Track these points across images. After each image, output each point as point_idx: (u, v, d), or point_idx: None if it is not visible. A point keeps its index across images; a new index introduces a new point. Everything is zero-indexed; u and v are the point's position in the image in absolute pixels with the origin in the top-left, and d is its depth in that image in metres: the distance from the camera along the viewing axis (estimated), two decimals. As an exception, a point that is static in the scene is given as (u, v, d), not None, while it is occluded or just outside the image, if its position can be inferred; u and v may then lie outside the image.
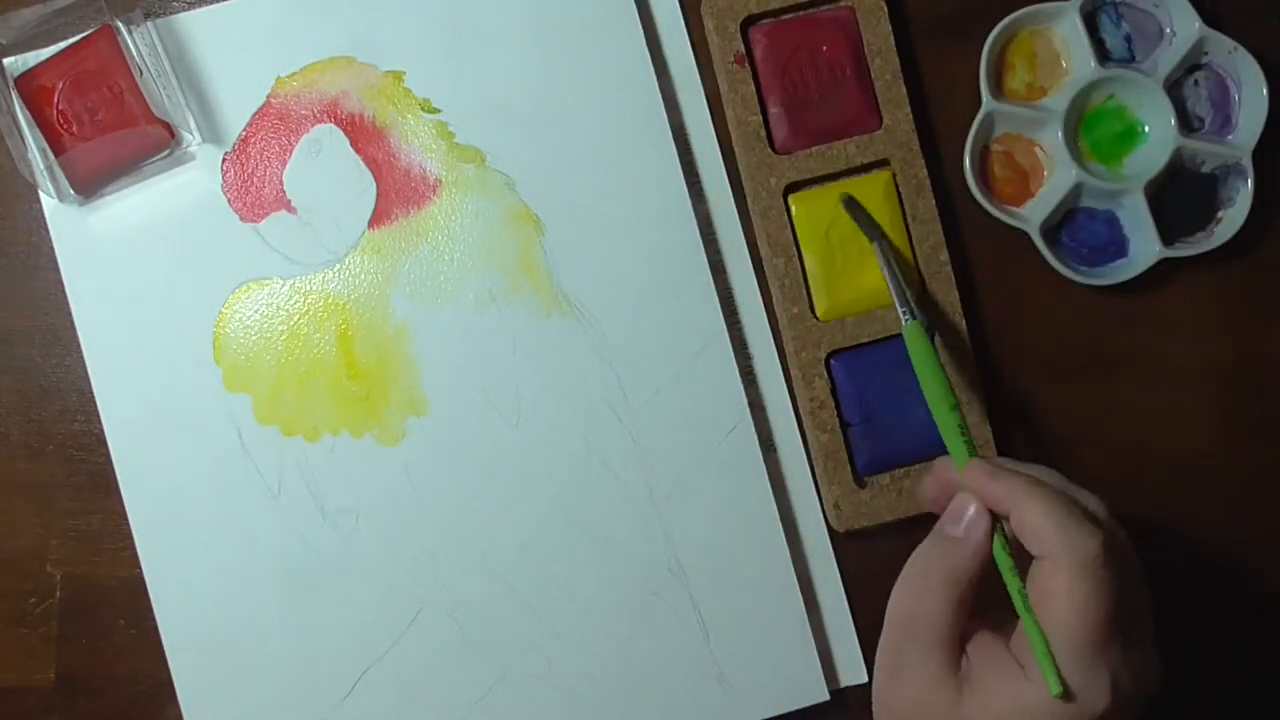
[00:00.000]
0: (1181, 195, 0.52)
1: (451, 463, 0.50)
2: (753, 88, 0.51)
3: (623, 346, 0.50)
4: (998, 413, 0.52)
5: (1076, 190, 0.51)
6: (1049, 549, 0.39)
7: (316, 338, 0.50)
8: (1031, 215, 0.52)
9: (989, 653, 0.40)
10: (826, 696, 0.50)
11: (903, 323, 0.47)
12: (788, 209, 0.51)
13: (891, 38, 0.51)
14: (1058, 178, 0.52)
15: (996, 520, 0.41)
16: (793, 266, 0.51)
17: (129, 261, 0.50)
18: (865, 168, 0.51)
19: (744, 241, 0.52)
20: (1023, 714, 0.38)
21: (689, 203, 0.51)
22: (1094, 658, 0.38)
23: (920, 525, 0.51)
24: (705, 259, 0.51)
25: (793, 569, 0.50)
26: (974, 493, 0.42)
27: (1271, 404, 0.53)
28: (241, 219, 0.50)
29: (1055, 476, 0.42)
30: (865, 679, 0.51)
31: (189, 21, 0.51)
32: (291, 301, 0.50)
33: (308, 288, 0.50)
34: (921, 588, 0.41)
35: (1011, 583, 0.40)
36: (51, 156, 0.48)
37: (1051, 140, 0.52)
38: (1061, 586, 0.38)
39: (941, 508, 0.43)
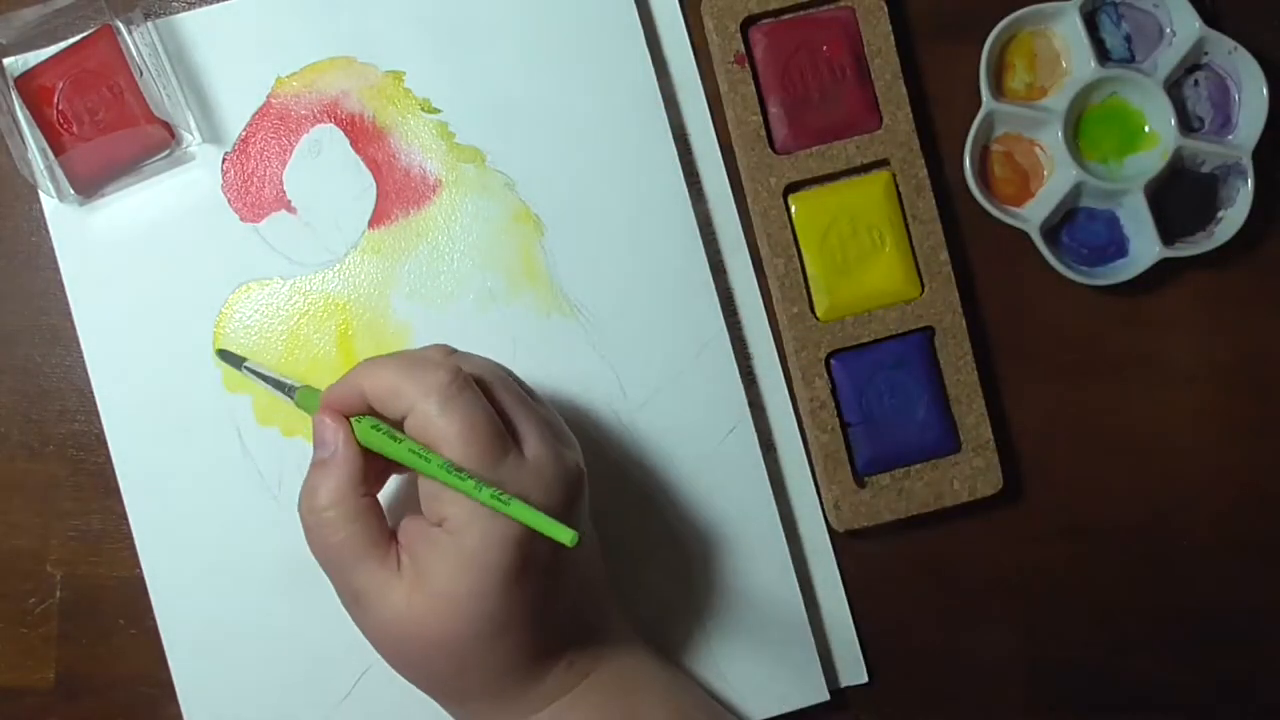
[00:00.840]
0: (1181, 195, 0.52)
1: (451, 463, 0.50)
2: (753, 88, 0.51)
3: (623, 346, 0.50)
4: (998, 413, 0.52)
5: (1076, 190, 0.51)
6: (408, 400, 0.40)
7: (316, 338, 0.50)
8: (1031, 215, 0.52)
9: (415, 534, 0.41)
10: (827, 696, 0.50)
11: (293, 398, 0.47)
12: (788, 209, 0.51)
13: (891, 38, 0.51)
14: (1058, 178, 0.52)
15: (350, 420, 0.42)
16: (793, 266, 0.51)
17: (129, 261, 0.50)
18: (865, 168, 0.51)
19: (744, 241, 0.52)
20: (461, 561, 0.39)
21: (689, 203, 0.51)
22: (496, 471, 0.40)
23: (920, 525, 0.51)
24: (705, 259, 0.51)
25: (793, 569, 0.50)
26: (325, 410, 0.42)
27: (1271, 404, 0.53)
28: (241, 219, 0.50)
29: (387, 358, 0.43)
30: (865, 679, 0.51)
31: (189, 21, 0.51)
32: (291, 301, 0.50)
33: (308, 288, 0.50)
34: (322, 520, 0.41)
35: (395, 449, 0.40)
36: (51, 156, 0.48)
37: (1051, 140, 0.52)
38: (437, 426, 0.39)
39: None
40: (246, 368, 0.49)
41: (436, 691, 0.44)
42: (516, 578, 0.40)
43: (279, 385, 0.47)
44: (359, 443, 0.42)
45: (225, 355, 0.49)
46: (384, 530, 0.42)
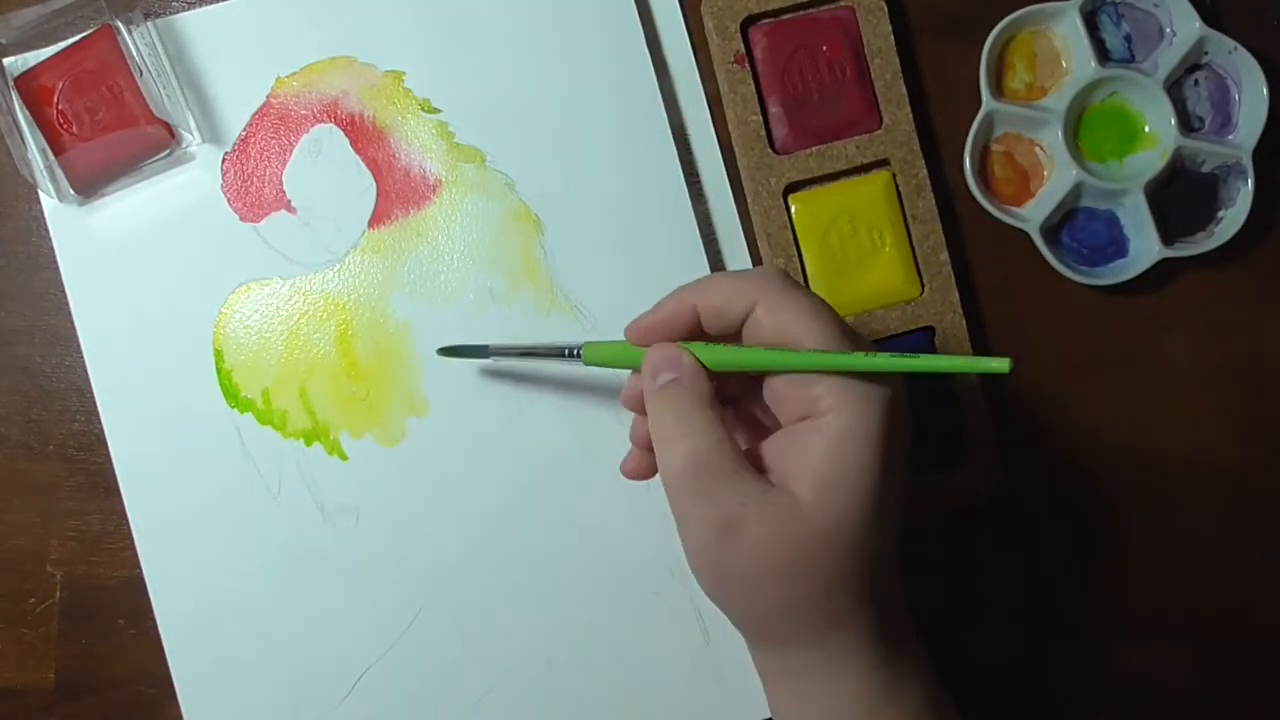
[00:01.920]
0: (1181, 195, 0.52)
1: (451, 463, 0.50)
2: (753, 88, 0.51)
3: (623, 346, 0.50)
4: (998, 413, 0.52)
5: (1076, 190, 0.51)
6: (748, 296, 0.39)
7: (316, 338, 0.50)
8: (1031, 215, 0.52)
9: (772, 445, 0.39)
10: (826, 696, 0.50)
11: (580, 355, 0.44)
12: (788, 209, 0.51)
13: (891, 38, 0.51)
14: (1058, 178, 0.52)
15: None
16: (793, 266, 0.51)
17: (129, 261, 0.50)
18: (865, 168, 0.51)
19: (744, 241, 0.52)
20: (840, 438, 0.38)
21: (689, 203, 0.51)
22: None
23: (920, 525, 0.51)
24: (705, 259, 0.51)
25: (793, 569, 0.50)
26: (648, 337, 0.41)
27: (1271, 403, 0.53)
28: (241, 219, 0.50)
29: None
30: (865, 679, 0.51)
31: (189, 21, 0.51)
32: (291, 301, 0.50)
33: (308, 288, 0.50)
34: (689, 430, 0.39)
35: (747, 356, 0.39)
36: (51, 156, 0.48)
37: (1051, 140, 0.52)
38: (790, 310, 0.39)
39: (639, 437, 0.45)
40: (494, 352, 0.47)
41: (795, 625, 0.39)
42: (890, 454, 0.38)
43: (551, 352, 0.45)
44: (704, 365, 0.40)
45: (453, 351, 0.48)
46: (739, 449, 0.39)
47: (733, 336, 0.41)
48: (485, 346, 0.47)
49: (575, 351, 0.44)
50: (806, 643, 0.39)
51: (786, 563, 0.38)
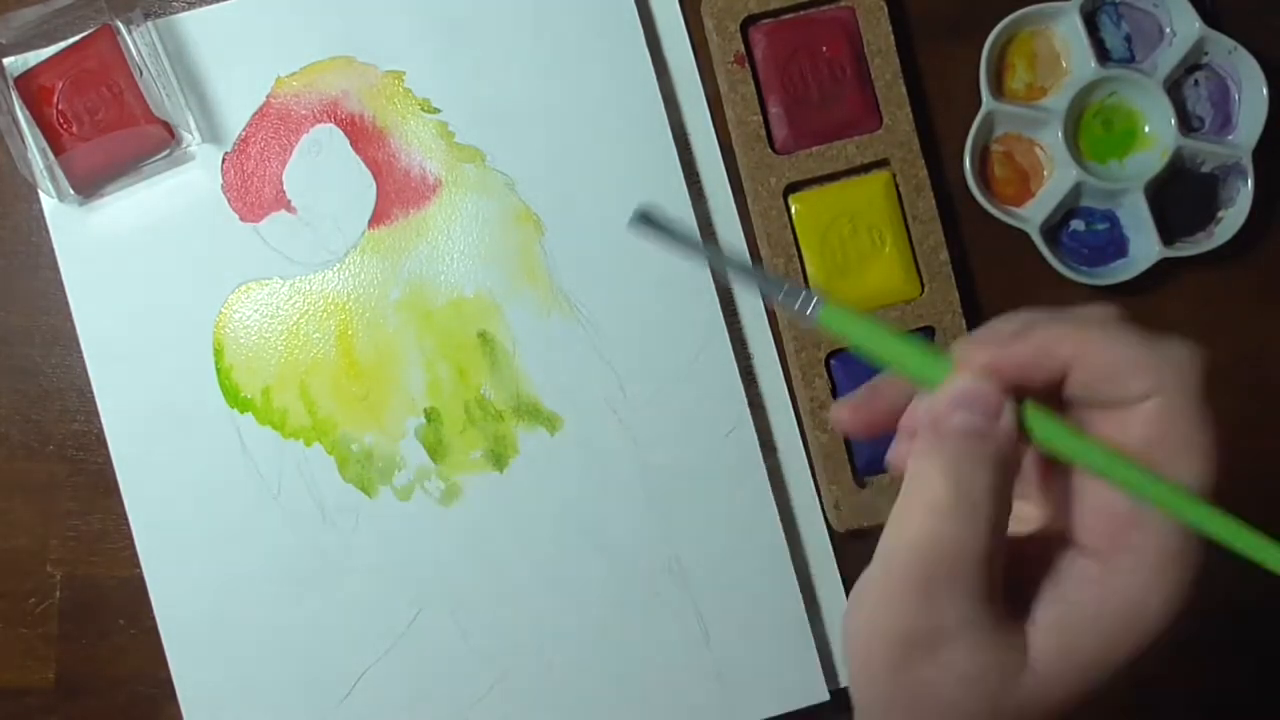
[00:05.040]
0: (1181, 195, 0.52)
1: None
2: (753, 88, 0.51)
3: (623, 346, 0.50)
4: (998, 413, 0.52)
5: (1076, 190, 0.51)
6: (1147, 382, 0.29)
7: (316, 338, 0.50)
8: (1031, 215, 0.52)
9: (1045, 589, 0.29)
10: (827, 696, 0.50)
11: (810, 310, 0.31)
12: (788, 209, 0.51)
13: (891, 38, 0.51)
14: (1058, 178, 0.52)
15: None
16: (793, 267, 0.51)
17: (129, 261, 0.50)
18: (865, 168, 0.51)
19: (744, 241, 0.52)
20: (1139, 604, 0.29)
21: (689, 203, 0.51)
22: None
23: (920, 525, 0.51)
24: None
25: (793, 569, 0.50)
26: (977, 368, 0.29)
27: (1272, 403, 0.53)
28: (241, 219, 0.50)
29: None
30: (865, 679, 0.51)
31: (189, 21, 0.51)
32: (291, 301, 0.50)
33: (308, 288, 0.50)
34: (958, 509, 0.28)
35: (1083, 449, 0.29)
36: (51, 156, 0.48)
37: (1051, 140, 0.52)
38: (1186, 430, 0.29)
39: (862, 429, 0.33)
40: (704, 250, 0.32)
41: None
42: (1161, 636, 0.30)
43: (772, 288, 0.32)
44: (1022, 428, 0.29)
45: (651, 221, 0.31)
46: (1003, 558, 0.29)
47: (1046, 393, 0.30)
48: (696, 239, 0.36)
49: (810, 308, 0.31)
50: None
51: (967, 715, 0.29)
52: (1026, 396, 0.29)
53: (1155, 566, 0.29)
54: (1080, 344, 0.29)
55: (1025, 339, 0.29)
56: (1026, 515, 0.31)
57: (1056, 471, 0.30)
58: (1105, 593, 0.29)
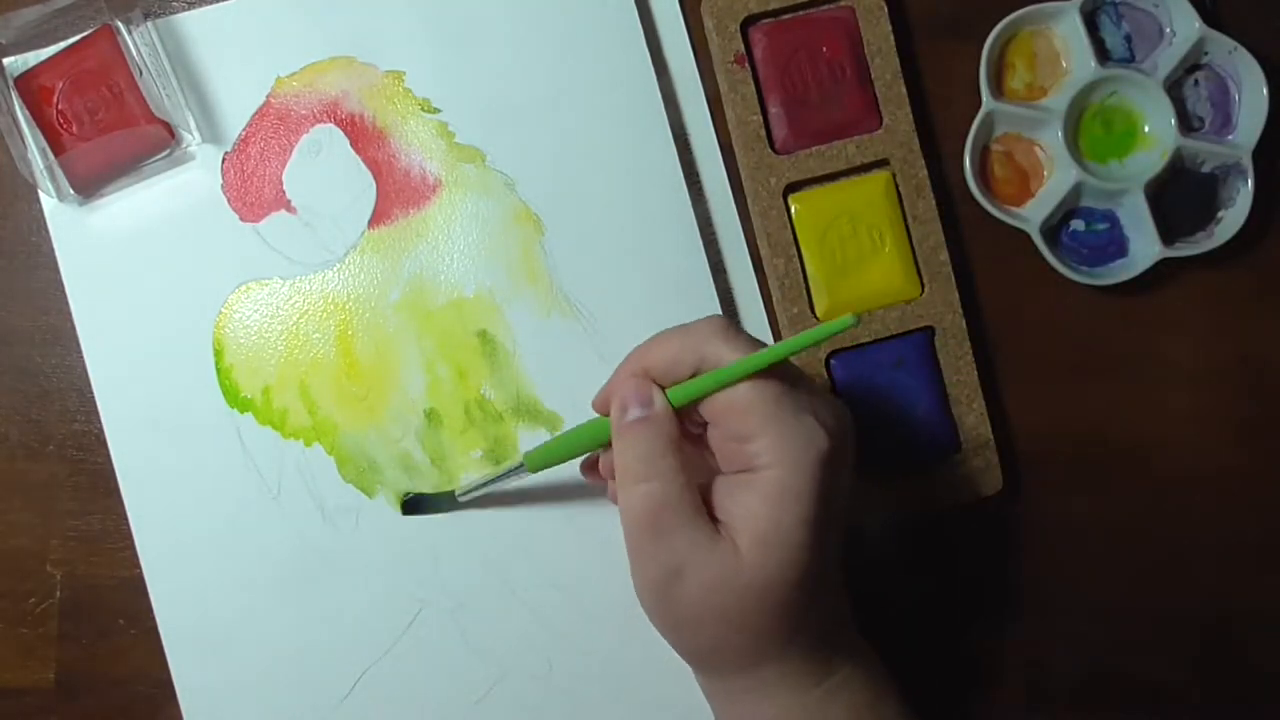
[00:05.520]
0: (1181, 195, 0.52)
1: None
2: (753, 88, 0.51)
3: (623, 346, 0.50)
4: (998, 413, 0.52)
5: (1076, 190, 0.51)
6: (694, 351, 0.40)
7: (316, 338, 0.50)
8: (1031, 215, 0.52)
9: (721, 492, 0.40)
10: (826, 696, 0.50)
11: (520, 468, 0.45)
12: (788, 209, 0.51)
13: (891, 38, 0.51)
14: (1058, 178, 0.52)
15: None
16: (793, 266, 0.51)
17: (129, 261, 0.50)
18: (865, 168, 0.51)
19: (744, 241, 0.52)
20: (780, 493, 0.39)
21: (689, 203, 0.51)
22: (799, 401, 0.40)
23: (921, 525, 0.51)
24: (705, 259, 0.51)
25: (793, 569, 0.50)
26: (628, 377, 0.42)
27: (1272, 404, 0.53)
28: (241, 219, 0.50)
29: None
30: (865, 679, 0.51)
31: (189, 21, 0.51)
32: (291, 301, 0.50)
33: (308, 288, 0.50)
34: (651, 473, 0.40)
35: (703, 382, 0.40)
36: (51, 156, 0.48)
37: (1051, 140, 0.52)
38: (729, 354, 0.40)
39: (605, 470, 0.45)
40: (459, 497, 0.49)
41: (731, 660, 0.42)
42: (825, 502, 0.39)
43: (506, 475, 0.46)
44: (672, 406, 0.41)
45: (414, 504, 0.50)
46: (698, 495, 0.40)
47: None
48: (450, 494, 0.49)
49: (520, 469, 0.45)
50: (740, 671, 0.42)
51: (723, 609, 0.40)
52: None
53: (775, 462, 0.39)
54: (645, 354, 0.42)
55: (619, 370, 0.42)
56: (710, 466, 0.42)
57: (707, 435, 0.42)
58: (758, 492, 0.39)
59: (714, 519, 0.40)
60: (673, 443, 0.40)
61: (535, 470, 0.45)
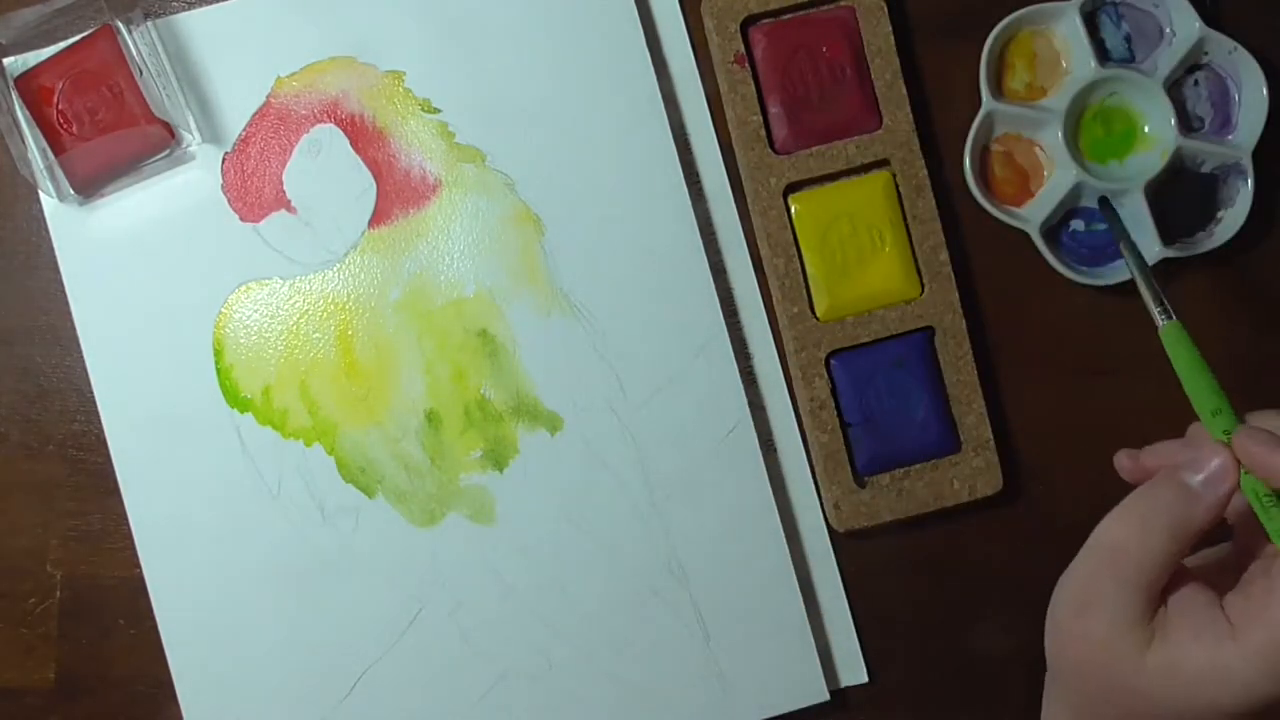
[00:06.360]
0: (1181, 195, 0.52)
1: (451, 463, 0.50)
2: (753, 88, 0.51)
3: (623, 346, 0.50)
4: (998, 413, 0.52)
5: (1076, 190, 0.51)
6: None
7: (316, 338, 0.50)
8: (1031, 215, 0.52)
9: (1194, 607, 0.38)
10: (826, 696, 0.50)
11: (1159, 325, 0.43)
12: (788, 209, 0.51)
13: (891, 38, 0.51)
14: (1058, 178, 0.52)
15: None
16: (793, 266, 0.51)
17: (129, 261, 0.50)
18: (865, 168, 0.51)
19: (744, 241, 0.52)
20: (1218, 679, 0.36)
21: (689, 203, 0.51)
22: None
23: (920, 525, 0.51)
24: (705, 259, 0.51)
25: (793, 569, 0.50)
26: (1238, 453, 0.39)
27: (1272, 404, 0.53)
28: (241, 219, 0.50)
29: None
30: (865, 679, 0.51)
31: (189, 21, 0.51)
32: (291, 301, 0.50)
33: (308, 288, 0.50)
34: (1140, 527, 0.38)
35: (1273, 518, 0.37)
36: (51, 156, 0.48)
37: (1051, 140, 0.52)
38: None
39: (1136, 479, 0.42)
40: (1129, 253, 0.47)
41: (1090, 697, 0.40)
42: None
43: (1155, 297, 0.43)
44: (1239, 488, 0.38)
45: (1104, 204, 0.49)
46: (1167, 578, 0.38)
47: None
48: (1133, 244, 0.47)
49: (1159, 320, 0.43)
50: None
51: (1102, 665, 0.38)
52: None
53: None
54: None
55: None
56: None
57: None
58: (1210, 650, 0.36)
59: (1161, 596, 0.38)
60: (1195, 534, 0.38)
61: (1169, 336, 0.43)
